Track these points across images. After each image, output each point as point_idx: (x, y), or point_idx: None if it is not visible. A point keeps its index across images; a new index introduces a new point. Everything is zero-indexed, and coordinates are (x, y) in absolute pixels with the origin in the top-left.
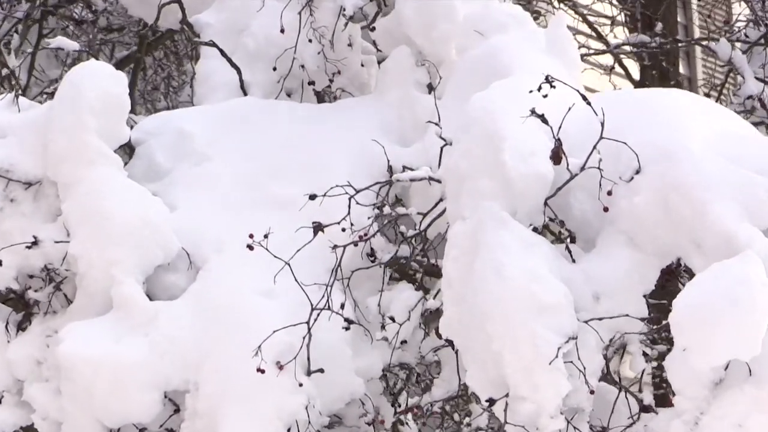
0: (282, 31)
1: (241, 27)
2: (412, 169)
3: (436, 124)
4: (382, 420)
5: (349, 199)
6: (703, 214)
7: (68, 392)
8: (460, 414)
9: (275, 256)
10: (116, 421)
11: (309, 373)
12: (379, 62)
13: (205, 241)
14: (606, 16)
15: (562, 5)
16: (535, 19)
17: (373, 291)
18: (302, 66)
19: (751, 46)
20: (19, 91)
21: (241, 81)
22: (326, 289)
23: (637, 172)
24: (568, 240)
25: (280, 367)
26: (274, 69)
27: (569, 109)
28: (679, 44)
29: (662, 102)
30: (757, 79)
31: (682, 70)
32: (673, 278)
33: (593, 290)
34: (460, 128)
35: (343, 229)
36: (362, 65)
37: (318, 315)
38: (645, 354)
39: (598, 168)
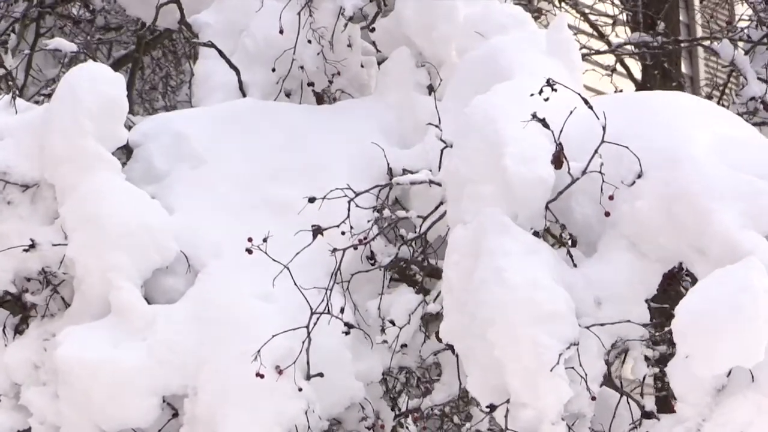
0: (281, 31)
1: (240, 27)
2: (412, 172)
3: (437, 126)
4: (382, 424)
5: (349, 202)
6: (706, 221)
7: (66, 396)
8: (460, 416)
9: (274, 260)
10: (114, 425)
11: (308, 377)
12: (379, 63)
13: (203, 244)
14: (608, 15)
15: (563, 4)
16: (536, 18)
17: (373, 294)
18: (301, 67)
19: (753, 46)
20: (17, 92)
21: (240, 82)
22: (326, 292)
23: (639, 176)
24: (570, 244)
25: (280, 372)
26: (273, 70)
27: (570, 112)
28: (681, 44)
29: (664, 105)
30: (759, 79)
31: (684, 69)
32: (674, 282)
33: (595, 295)
34: (460, 131)
35: (343, 233)
36: (362, 66)
37: (317, 319)
38: (647, 358)
39: (600, 172)
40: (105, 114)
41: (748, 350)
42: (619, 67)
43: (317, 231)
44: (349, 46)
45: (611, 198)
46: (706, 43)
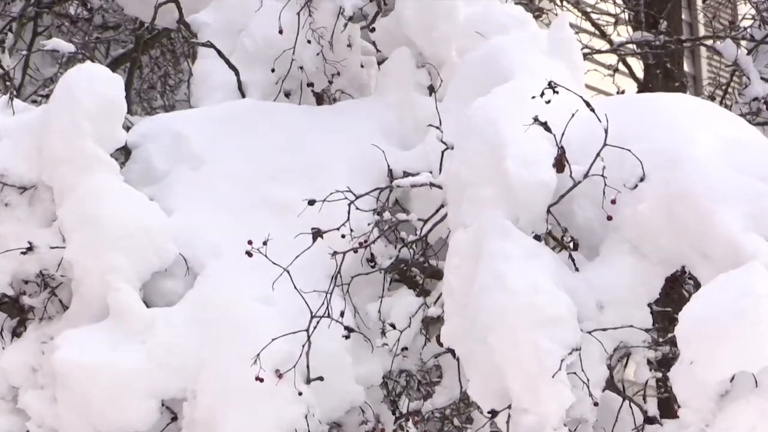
0: (280, 31)
1: (239, 27)
2: (412, 174)
3: (437, 127)
4: (383, 428)
5: (349, 205)
6: (708, 224)
7: (64, 400)
8: (461, 419)
9: (274, 263)
10: (113, 429)
11: (308, 381)
12: (379, 63)
13: (202, 246)
14: (610, 14)
15: (565, 3)
16: (538, 17)
17: (373, 297)
18: (301, 67)
19: (756, 45)
20: (14, 93)
21: (239, 82)
22: (326, 296)
23: (642, 179)
24: (571, 247)
25: (280, 376)
26: (273, 70)
27: (572, 115)
28: (684, 44)
29: (667, 107)
30: (762, 79)
31: (686, 68)
32: (677, 286)
33: (597, 299)
34: (461, 134)
35: (343, 236)
36: (362, 66)
37: (317, 323)
38: (649, 362)
39: (602, 175)
40: (103, 115)
41: (752, 355)
42: (621, 67)
43: (317, 234)
44: (349, 46)
45: (613, 202)
46: (709, 42)
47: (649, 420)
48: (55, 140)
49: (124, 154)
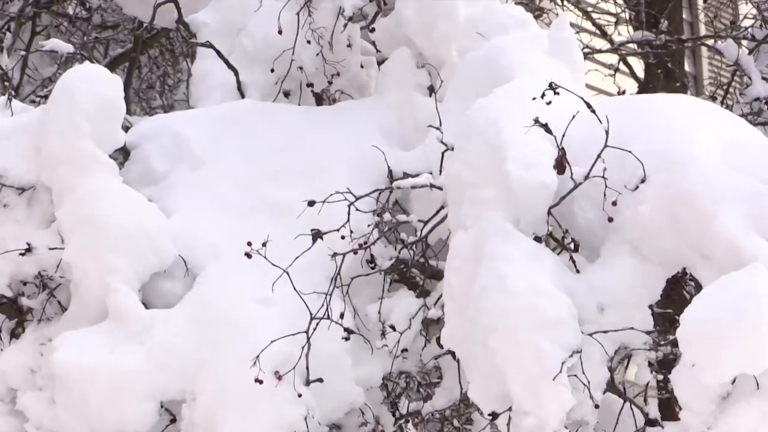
0: (280, 31)
1: (238, 27)
2: (412, 175)
3: (437, 128)
4: (383, 430)
5: (349, 206)
6: (709, 225)
7: (63, 402)
8: (461, 420)
9: (273, 264)
10: (112, 431)
11: (308, 382)
12: (378, 63)
13: (201, 247)
14: (610, 14)
15: (565, 3)
16: (538, 17)
17: (373, 298)
18: (300, 67)
19: (757, 45)
20: (13, 93)
21: (239, 82)
22: (326, 297)
23: (642, 180)
24: (572, 249)
25: (279, 377)
26: (272, 70)
27: (573, 117)
28: (685, 43)
29: (666, 108)
30: (764, 79)
31: (687, 68)
32: (678, 287)
33: (598, 301)
34: (461, 135)
35: (343, 237)
36: (362, 66)
37: (317, 324)
38: (650, 364)
39: (603, 177)
40: (102, 115)
41: (753, 357)
42: (622, 67)
43: (317, 235)
44: (349, 46)
45: (615, 203)
46: (710, 42)
47: (650, 422)
48: (53, 141)
49: (122, 154)
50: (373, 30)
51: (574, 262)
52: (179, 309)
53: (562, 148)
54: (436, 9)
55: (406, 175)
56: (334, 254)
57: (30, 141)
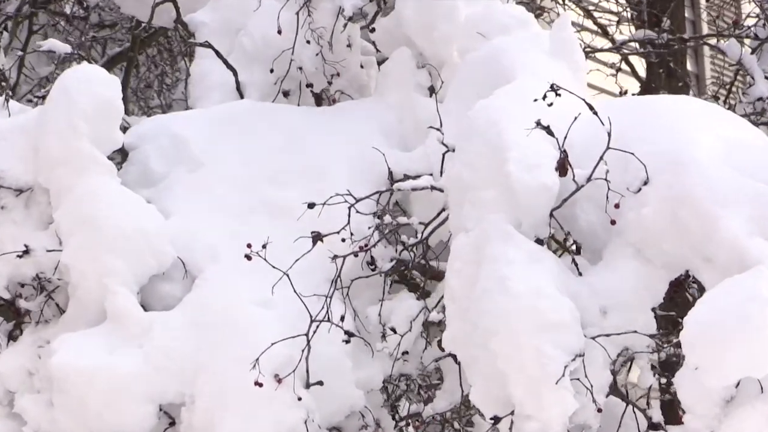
0: (279, 31)
1: (236, 26)
2: (413, 176)
3: (438, 129)
4: None
5: (349, 208)
6: (712, 228)
7: (61, 404)
8: (461, 422)
9: (273, 267)
10: None
11: (308, 385)
12: (379, 63)
13: (200, 249)
14: (612, 12)
15: (566, 2)
16: (539, 16)
17: (374, 300)
18: (300, 68)
19: (760, 44)
20: (10, 94)
21: (237, 82)
22: (326, 300)
23: (645, 182)
24: (574, 251)
25: (279, 380)
26: (272, 70)
27: (575, 118)
28: (687, 43)
29: (670, 110)
30: (767, 78)
31: (689, 67)
32: (681, 290)
33: (600, 304)
34: (463, 136)
35: (343, 240)
36: (362, 67)
37: (317, 327)
38: (653, 367)
39: (605, 179)
40: (100, 116)
41: (757, 360)
42: (623, 66)
43: (317, 238)
44: (349, 46)
45: (617, 206)
46: (713, 41)
47: (654, 426)
48: (51, 142)
49: (121, 155)
50: (373, 30)
51: (576, 264)
52: (178, 311)
53: (564, 150)
54: (436, 9)
55: (406, 177)
56: (335, 257)
57: (27, 142)
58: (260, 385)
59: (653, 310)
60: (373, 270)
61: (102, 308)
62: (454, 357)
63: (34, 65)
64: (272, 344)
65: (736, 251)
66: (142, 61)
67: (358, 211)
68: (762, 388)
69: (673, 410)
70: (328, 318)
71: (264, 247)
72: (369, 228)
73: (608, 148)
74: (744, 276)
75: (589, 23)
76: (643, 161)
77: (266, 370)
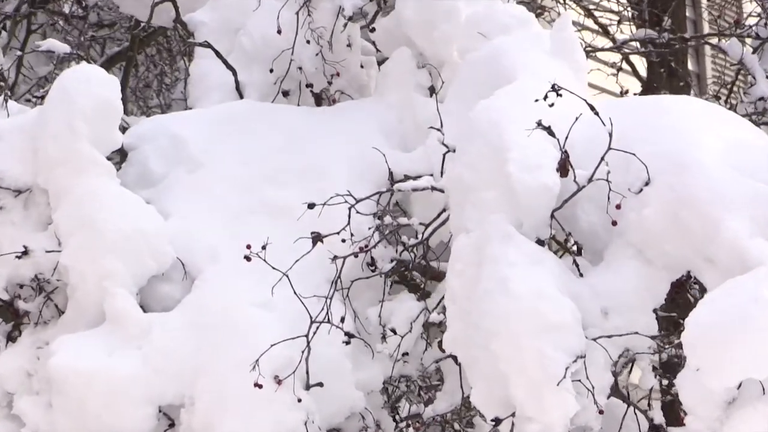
0: (279, 31)
1: (236, 26)
2: (413, 177)
3: (438, 129)
4: None
5: (350, 209)
6: (714, 229)
7: (60, 406)
8: (461, 424)
9: (273, 268)
10: None
11: (308, 387)
12: (379, 63)
13: (200, 250)
14: (613, 12)
15: (567, 1)
16: (540, 15)
17: (374, 301)
18: (300, 68)
19: (762, 43)
20: (9, 94)
21: (237, 82)
22: (326, 301)
23: (647, 183)
24: (575, 252)
25: (279, 382)
26: (271, 70)
27: (576, 119)
28: (688, 42)
29: (671, 110)
30: None
31: (690, 66)
32: (682, 291)
33: (602, 305)
34: (463, 137)
35: (343, 240)
36: (362, 66)
37: (317, 328)
38: (654, 368)
39: (606, 180)
40: (99, 116)
41: (759, 362)
42: (624, 66)
43: (317, 238)
44: (349, 46)
45: (619, 207)
46: (714, 40)
47: (655, 428)
48: (50, 142)
49: (120, 155)
50: (373, 30)
51: (577, 265)
52: (177, 312)
53: (566, 151)
54: (436, 8)
55: (406, 177)
56: (335, 257)
57: (26, 142)
58: (260, 386)
59: (654, 311)
60: (373, 271)
61: (101, 309)
62: (455, 358)
63: (33, 65)
64: (272, 345)
65: (737, 252)
66: (141, 60)
67: (358, 212)
68: (764, 389)
69: (674, 411)
70: (328, 319)
71: (264, 247)
72: (369, 229)
73: (609, 148)
74: (745, 277)
75: (589, 23)
76: (645, 162)
77: (266, 372)
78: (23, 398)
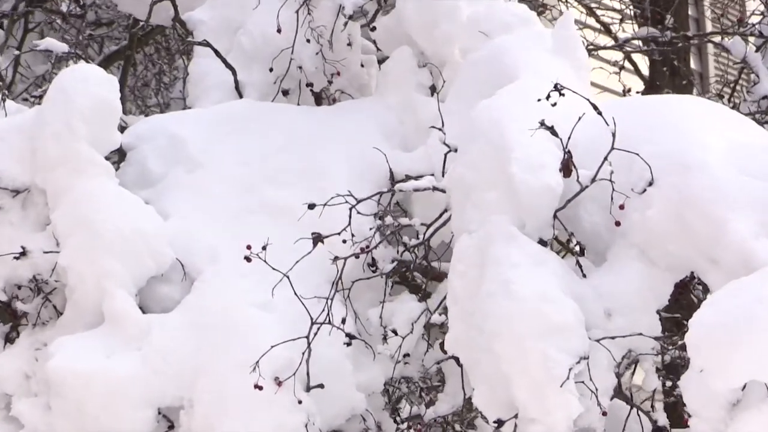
0: (279, 30)
1: (235, 25)
2: (414, 177)
3: (440, 129)
4: None
5: (350, 209)
6: (720, 230)
7: (58, 408)
8: (463, 425)
9: (273, 268)
10: None
11: (308, 388)
12: (379, 62)
13: (199, 250)
14: (615, 10)
15: None
16: (541, 13)
17: (374, 302)
18: (300, 67)
19: (765, 42)
20: (6, 94)
21: (236, 82)
22: (326, 302)
23: (650, 184)
24: (578, 253)
25: (279, 384)
26: (271, 69)
27: (579, 118)
28: (691, 40)
29: (675, 110)
30: None
31: (693, 65)
32: (686, 291)
33: (605, 307)
34: (465, 136)
35: (344, 241)
36: (362, 66)
37: (318, 329)
38: (658, 369)
39: (610, 180)
40: (98, 116)
41: (764, 363)
42: (626, 64)
43: (318, 239)
44: (349, 45)
45: (622, 207)
46: (717, 39)
47: (659, 429)
48: (48, 142)
49: (118, 155)
50: (373, 28)
51: (580, 266)
52: (177, 313)
53: (568, 151)
54: (437, 7)
55: (407, 177)
56: (335, 258)
57: (24, 142)
58: (260, 388)
59: (658, 312)
60: (374, 271)
61: (100, 310)
62: (457, 359)
63: (30, 64)
64: (272, 347)
65: (742, 253)
66: (139, 59)
67: (359, 212)
68: None
69: (677, 413)
70: (329, 320)
71: (264, 248)
72: (370, 229)
73: (613, 148)
74: (750, 278)
75: (591, 21)
76: (648, 162)
77: (266, 373)
78: (21, 400)
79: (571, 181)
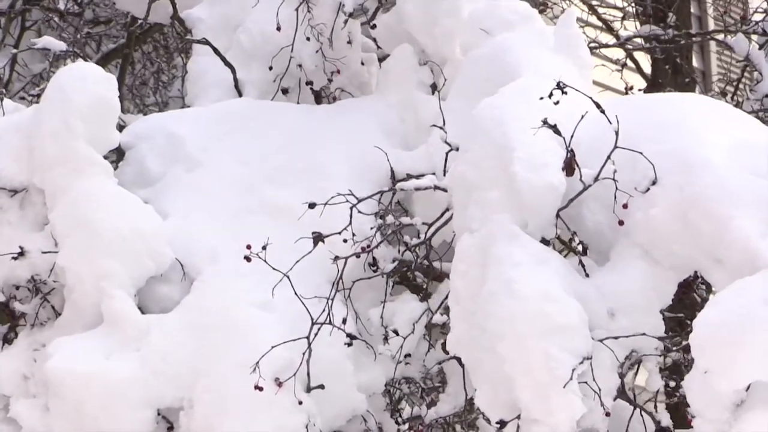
0: (278, 28)
1: (235, 23)
2: (415, 176)
3: (441, 127)
4: None
5: (351, 209)
6: (724, 229)
7: (57, 409)
8: (464, 426)
9: (274, 268)
10: None
11: (309, 389)
12: (380, 60)
13: (198, 250)
14: (616, 8)
15: None
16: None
17: (375, 302)
18: (300, 65)
19: None
20: (4, 92)
21: (236, 80)
22: (327, 302)
23: (654, 182)
24: (581, 252)
25: (279, 384)
26: (270, 68)
27: (582, 117)
28: (693, 38)
29: (678, 108)
30: None
31: (696, 63)
32: (690, 291)
33: (608, 306)
34: (467, 135)
35: (345, 240)
36: (362, 64)
37: (318, 329)
38: (661, 369)
39: (613, 179)
40: (96, 115)
41: None
42: (629, 62)
43: (318, 238)
44: (349, 42)
45: (625, 206)
46: (720, 36)
47: (662, 430)
48: (46, 142)
49: (117, 154)
50: (374, 26)
51: (583, 265)
52: (176, 314)
53: (571, 150)
54: (438, 5)
55: (408, 176)
56: (336, 258)
57: (22, 141)
58: (260, 388)
59: (661, 311)
60: (375, 271)
61: (98, 311)
62: (458, 360)
63: (28, 62)
64: (272, 347)
65: (747, 252)
66: (137, 58)
67: (359, 212)
68: None
69: (681, 414)
70: (330, 320)
71: (264, 248)
72: (371, 228)
73: (616, 147)
74: (755, 277)
75: (593, 19)
76: (652, 161)
77: (266, 374)
78: (20, 401)
79: (573, 180)
